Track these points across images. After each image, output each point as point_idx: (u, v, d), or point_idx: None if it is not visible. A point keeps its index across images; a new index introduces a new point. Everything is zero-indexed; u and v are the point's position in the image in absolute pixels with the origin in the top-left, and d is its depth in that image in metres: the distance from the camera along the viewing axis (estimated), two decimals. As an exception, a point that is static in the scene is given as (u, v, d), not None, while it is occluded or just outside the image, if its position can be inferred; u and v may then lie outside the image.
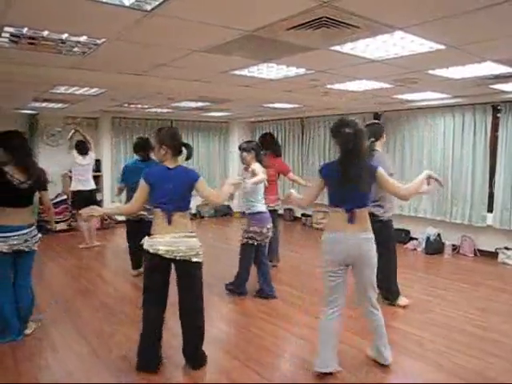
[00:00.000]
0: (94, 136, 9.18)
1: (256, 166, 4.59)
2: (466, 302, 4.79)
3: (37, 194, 3.86)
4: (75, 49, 3.60)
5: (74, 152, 7.12)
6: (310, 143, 9.48)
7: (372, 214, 3.45)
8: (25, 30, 3.09)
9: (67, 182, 7.21)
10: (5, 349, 3.55)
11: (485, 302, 4.81)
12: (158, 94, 6.14)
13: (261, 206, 4.67)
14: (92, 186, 7.27)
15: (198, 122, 10.41)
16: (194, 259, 3.13)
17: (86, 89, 5.69)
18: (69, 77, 4.80)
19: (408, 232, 7.57)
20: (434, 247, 6.96)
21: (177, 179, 3.15)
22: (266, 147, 6.20)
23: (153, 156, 4.71)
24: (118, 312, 4.39)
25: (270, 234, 4.78)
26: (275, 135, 7.64)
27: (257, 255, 4.78)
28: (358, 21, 2.84)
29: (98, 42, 3.39)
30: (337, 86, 5.45)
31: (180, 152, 3.24)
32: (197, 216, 10.08)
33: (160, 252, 3.05)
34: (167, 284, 3.21)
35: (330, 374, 3.12)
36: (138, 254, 5.47)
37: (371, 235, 3.10)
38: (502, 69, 4.32)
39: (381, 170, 3.03)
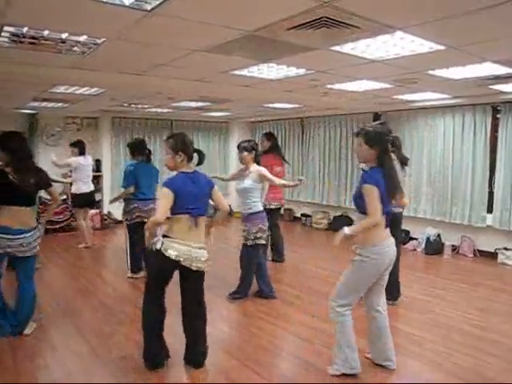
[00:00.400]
0: (94, 136, 9.23)
1: (262, 170, 4.59)
2: (466, 302, 4.79)
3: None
4: (75, 48, 3.60)
5: (73, 157, 7.00)
6: (310, 143, 9.48)
7: None
8: (25, 30, 3.09)
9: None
10: (4, 348, 3.55)
11: (484, 302, 4.82)
12: (158, 93, 6.13)
13: (260, 206, 4.66)
14: (92, 187, 7.25)
15: (198, 121, 10.41)
16: (203, 267, 3.19)
17: (85, 88, 5.68)
18: (69, 76, 4.79)
19: (408, 232, 7.56)
20: (434, 247, 6.96)
21: (199, 184, 3.18)
22: (271, 146, 6.25)
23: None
24: (118, 312, 4.39)
25: (267, 233, 4.77)
26: (275, 135, 7.65)
27: (257, 254, 4.76)
28: (359, 21, 2.84)
29: (98, 41, 3.39)
30: (337, 86, 5.45)
31: (192, 158, 3.25)
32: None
33: (178, 258, 3.04)
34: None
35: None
36: (140, 258, 5.48)
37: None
38: (501, 69, 4.32)
39: None
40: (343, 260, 3.43)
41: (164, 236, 3.11)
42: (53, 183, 4.04)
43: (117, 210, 8.46)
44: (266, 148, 6.28)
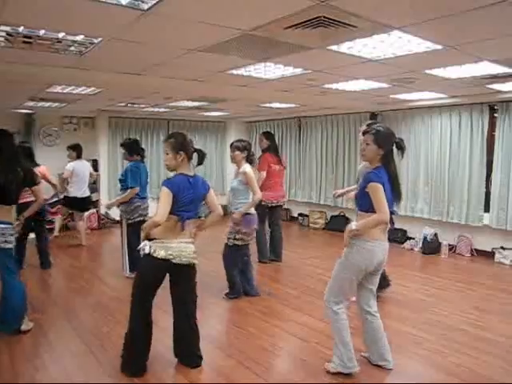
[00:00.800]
0: (91, 135, 9.20)
1: (247, 169, 4.57)
2: (463, 301, 4.80)
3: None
4: (72, 48, 3.59)
5: (70, 162, 6.96)
6: (307, 143, 9.48)
7: None
8: (21, 29, 3.08)
9: (63, 182, 7.09)
10: (2, 348, 3.54)
11: (481, 301, 4.82)
12: (154, 93, 6.13)
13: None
14: (87, 193, 7.18)
15: (195, 121, 10.41)
16: (194, 262, 3.18)
17: (82, 88, 5.66)
18: (65, 76, 4.77)
19: (405, 232, 7.58)
20: (431, 247, 6.97)
21: (196, 188, 3.16)
22: (269, 145, 6.26)
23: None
24: (115, 311, 4.37)
25: (254, 234, 4.75)
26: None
27: (240, 254, 4.77)
28: (356, 20, 2.84)
29: (95, 41, 3.38)
30: (334, 86, 5.45)
31: (192, 157, 3.23)
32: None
33: (169, 257, 3.02)
34: None
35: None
36: (139, 257, 5.46)
37: None
38: (498, 69, 4.33)
39: None
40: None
41: (150, 239, 3.07)
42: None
43: (114, 210, 8.46)
44: (265, 147, 6.30)
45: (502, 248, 6.42)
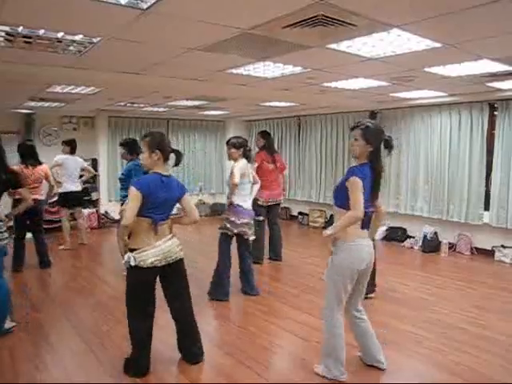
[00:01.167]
0: (91, 135, 9.19)
1: (241, 163, 4.61)
2: (463, 299, 4.80)
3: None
4: (71, 47, 3.59)
5: (62, 155, 6.90)
6: (307, 141, 9.48)
7: None
8: (20, 29, 3.07)
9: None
10: (3, 348, 3.54)
11: (481, 299, 4.83)
12: (154, 92, 6.12)
13: (238, 199, 4.63)
14: (80, 187, 7.14)
15: (195, 120, 10.40)
16: (181, 255, 3.17)
17: (82, 88, 5.66)
18: (65, 76, 4.76)
19: (405, 230, 7.59)
20: (431, 245, 6.97)
21: (171, 189, 3.07)
22: (264, 144, 6.30)
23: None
24: (115, 311, 4.37)
25: (247, 229, 4.72)
26: (272, 133, 7.69)
27: (236, 248, 4.81)
28: (355, 19, 2.84)
29: (94, 40, 3.38)
30: (333, 84, 5.44)
31: (168, 158, 3.16)
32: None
33: (156, 263, 2.96)
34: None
35: None
36: None
37: None
38: (498, 67, 4.33)
39: None
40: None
41: (131, 250, 2.97)
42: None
43: (113, 209, 8.48)
44: (261, 145, 6.37)
45: (503, 246, 6.42)
